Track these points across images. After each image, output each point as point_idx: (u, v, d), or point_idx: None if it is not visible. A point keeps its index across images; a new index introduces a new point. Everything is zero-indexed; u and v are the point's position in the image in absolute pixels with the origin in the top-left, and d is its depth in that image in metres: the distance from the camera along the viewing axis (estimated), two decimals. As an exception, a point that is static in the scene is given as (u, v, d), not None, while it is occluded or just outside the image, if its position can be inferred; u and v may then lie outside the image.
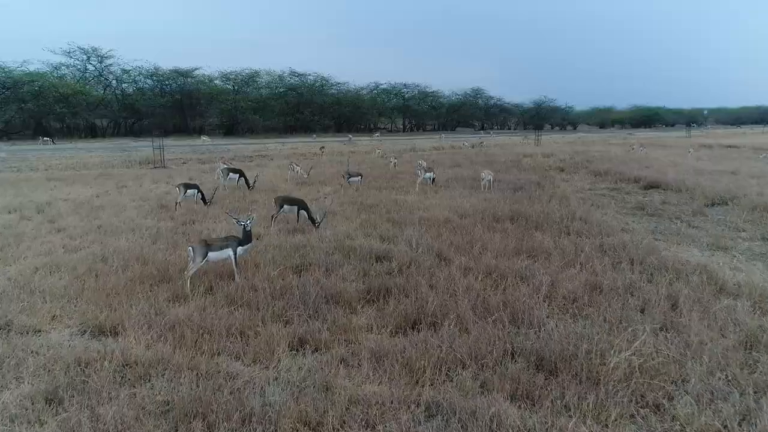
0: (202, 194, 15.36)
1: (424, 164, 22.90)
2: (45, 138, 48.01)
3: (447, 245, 10.20)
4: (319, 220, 12.15)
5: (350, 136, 52.50)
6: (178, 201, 15.12)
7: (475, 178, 20.80)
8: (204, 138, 51.76)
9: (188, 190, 15.39)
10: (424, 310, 6.75)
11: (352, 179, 18.08)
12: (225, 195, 17.05)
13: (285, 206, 12.72)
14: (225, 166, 21.50)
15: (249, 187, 18.12)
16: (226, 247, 8.14)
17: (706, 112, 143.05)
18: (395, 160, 25.07)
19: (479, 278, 8.10)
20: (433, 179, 19.50)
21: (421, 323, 6.54)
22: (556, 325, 6.25)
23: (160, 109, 63.69)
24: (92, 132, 62.56)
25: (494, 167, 25.34)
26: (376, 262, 9.26)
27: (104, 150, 35.93)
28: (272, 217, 12.73)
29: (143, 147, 39.67)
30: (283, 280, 8.02)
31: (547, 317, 6.68)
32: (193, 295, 7.45)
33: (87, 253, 9.70)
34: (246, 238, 8.53)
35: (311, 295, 7.23)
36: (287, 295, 7.36)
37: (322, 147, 32.73)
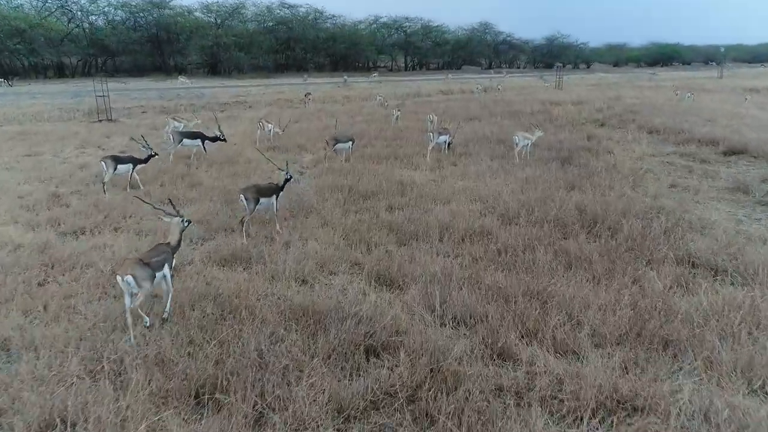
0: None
1: (436, 120, 17.88)
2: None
3: (500, 310, 5.58)
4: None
5: (345, 77, 46.53)
6: (104, 181, 10.48)
7: (502, 140, 15.88)
8: (182, 79, 46.00)
9: (119, 166, 10.64)
10: None
11: (339, 146, 13.21)
12: (164, 169, 12.24)
13: (262, 200, 8.53)
14: (176, 123, 16.53)
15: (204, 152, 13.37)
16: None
17: (723, 49, 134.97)
18: (398, 113, 20.01)
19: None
20: (449, 144, 14.60)
21: None
22: None
23: (134, 46, 57.07)
24: (60, 72, 56.40)
25: (521, 121, 20.33)
26: (366, 360, 4.73)
27: (55, 95, 30.63)
28: (241, 221, 8.19)
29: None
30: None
31: None
32: None
33: None
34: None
35: None
36: None
37: (308, 93, 27.47)
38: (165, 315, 5.51)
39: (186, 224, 6.28)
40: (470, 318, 5.46)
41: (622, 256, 6.99)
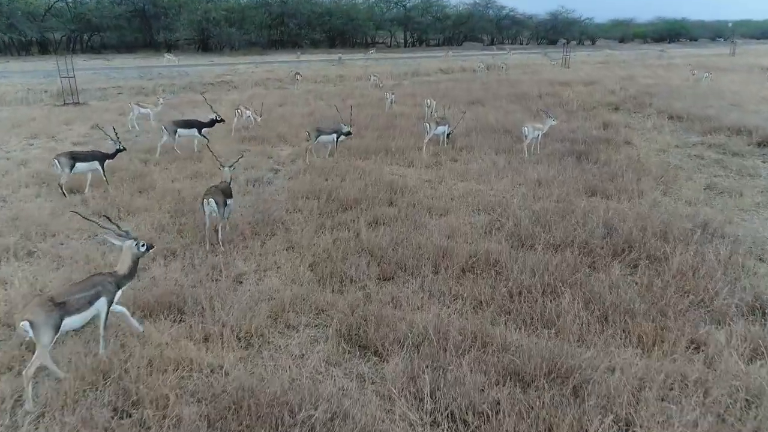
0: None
1: (434, 105, 16.03)
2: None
3: (515, 403, 3.91)
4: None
5: (340, 55, 44.11)
6: (60, 183, 8.90)
7: (509, 130, 14.08)
8: (168, 57, 43.61)
9: (78, 164, 8.96)
10: None
11: (322, 138, 11.40)
12: (116, 167, 10.48)
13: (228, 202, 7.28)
14: (141, 109, 14.69)
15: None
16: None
17: (731, 24, 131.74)
18: (392, 96, 18.12)
19: None
20: (449, 135, 12.79)
21: None
22: None
23: (120, 21, 54.34)
24: (43, 49, 53.91)
25: (529, 106, 18.47)
26: None
27: (28, 74, 28.55)
28: (214, 228, 6.63)
29: (84, 70, 32.18)
30: None
31: None
32: None
33: None
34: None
35: None
36: None
37: (297, 73, 25.42)
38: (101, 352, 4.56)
39: (143, 249, 4.89)
40: (473, 414, 3.82)
41: (672, 301, 5.32)
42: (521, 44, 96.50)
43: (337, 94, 21.77)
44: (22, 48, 52.90)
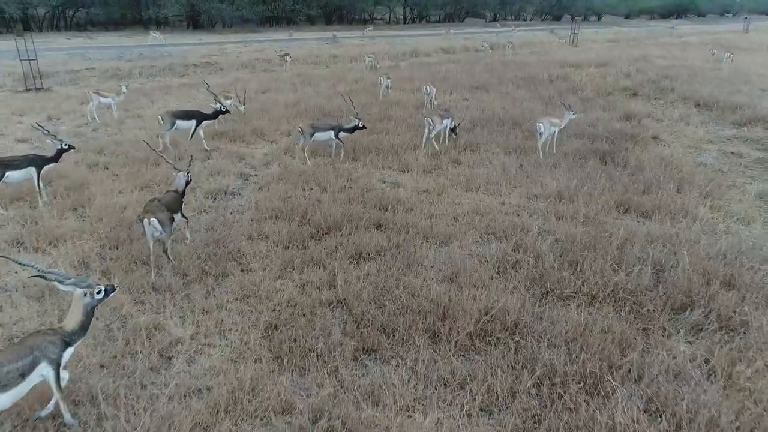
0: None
1: (434, 92, 14.26)
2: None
3: None
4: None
5: (334, 33, 41.69)
6: None
7: (518, 123, 12.37)
8: (154, 35, 41.40)
9: (9, 173, 7.39)
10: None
11: (318, 136, 9.65)
12: (53, 174, 8.81)
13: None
14: (101, 99, 12.94)
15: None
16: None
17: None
18: (387, 80, 16.29)
19: None
20: (454, 129, 11.05)
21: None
22: None
23: (104, -4, 51.83)
24: (26, 26, 51.46)
25: (539, 92, 16.68)
26: None
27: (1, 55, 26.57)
28: (166, 252, 5.12)
29: (59, 50, 30.24)
30: None
31: None
32: None
33: None
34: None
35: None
36: None
37: (286, 54, 23.40)
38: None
39: (99, 297, 3.88)
40: None
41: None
42: (525, 20, 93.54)
43: (328, 77, 19.91)
44: (3, 25, 50.47)
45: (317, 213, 7.08)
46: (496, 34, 45.13)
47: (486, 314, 4.85)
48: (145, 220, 5.43)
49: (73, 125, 12.65)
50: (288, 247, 6.35)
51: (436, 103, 14.42)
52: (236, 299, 5.27)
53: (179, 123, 10.40)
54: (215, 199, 8.02)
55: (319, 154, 10.19)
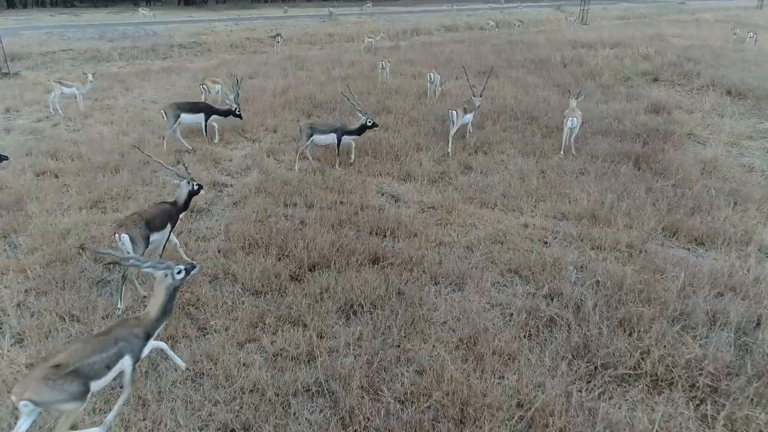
0: None
1: (438, 79, 12.80)
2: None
3: None
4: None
5: (330, 9, 39.56)
6: None
7: (534, 117, 10.95)
8: (144, 12, 39.46)
9: None
10: None
11: (317, 138, 8.25)
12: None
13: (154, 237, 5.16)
14: (64, 89, 11.47)
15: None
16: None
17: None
18: (388, 65, 14.78)
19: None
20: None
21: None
22: None
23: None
24: (10, 3, 49.37)
25: (552, 76, 15.21)
26: None
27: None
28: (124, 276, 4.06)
29: (38, 29, 28.47)
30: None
31: None
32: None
33: None
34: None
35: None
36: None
37: (278, 34, 21.69)
38: None
39: (180, 276, 3.76)
40: None
41: None
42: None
43: (323, 60, 18.33)
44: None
45: (299, 242, 5.75)
46: (501, 10, 43.08)
47: (519, 407, 3.58)
48: (116, 235, 4.69)
49: (32, 119, 11.23)
50: (260, 293, 5.04)
51: (440, 90, 12.96)
52: (185, 380, 3.98)
53: (185, 116, 9.14)
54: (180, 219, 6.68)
55: (318, 158, 8.80)
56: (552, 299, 4.95)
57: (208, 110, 9.49)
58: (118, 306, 4.76)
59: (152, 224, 4.90)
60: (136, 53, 21.20)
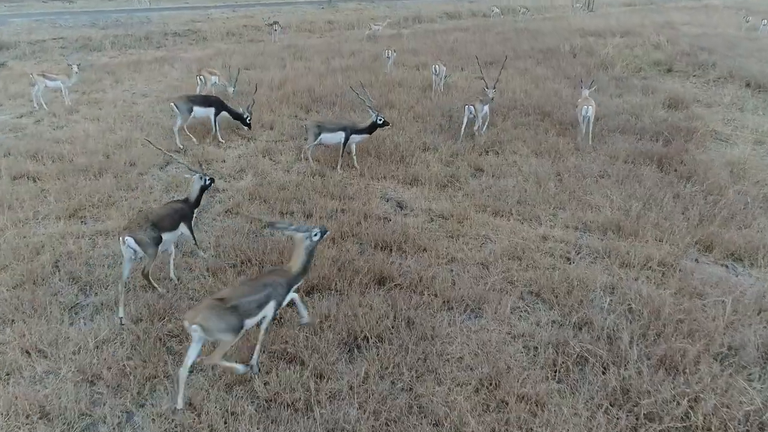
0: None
1: (444, 71, 12.13)
2: None
3: None
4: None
5: (330, -7, 38.66)
6: None
7: (547, 112, 10.34)
8: (139, -3, 38.51)
9: None
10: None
11: (325, 137, 7.64)
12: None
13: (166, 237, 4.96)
14: (48, 82, 10.82)
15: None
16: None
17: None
18: (393, 53, 14.13)
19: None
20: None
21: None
22: None
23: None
24: (2, -13, 48.13)
25: (562, 67, 14.58)
26: None
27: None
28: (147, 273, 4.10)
29: (28, 16, 27.67)
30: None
31: None
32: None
33: None
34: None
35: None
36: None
37: (275, 22, 20.89)
38: None
39: (317, 238, 4.21)
40: None
41: None
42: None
43: (322, 50, 17.61)
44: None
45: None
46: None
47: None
48: (120, 238, 4.58)
49: (14, 114, 10.60)
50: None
51: (444, 82, 12.30)
52: (164, 436, 3.44)
53: (197, 110, 8.66)
54: (166, 230, 6.10)
55: (317, 158, 8.21)
56: (580, 329, 4.40)
57: (219, 105, 9.01)
58: (120, 315, 4.51)
59: (160, 225, 4.75)
60: (129, 42, 20.43)
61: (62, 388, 3.80)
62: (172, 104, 8.67)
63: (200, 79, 11.23)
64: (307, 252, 4.09)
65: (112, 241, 5.82)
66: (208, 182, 5.37)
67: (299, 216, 6.31)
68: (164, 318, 4.48)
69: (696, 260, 5.53)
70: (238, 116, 9.15)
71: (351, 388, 3.77)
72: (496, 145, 8.67)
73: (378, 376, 3.90)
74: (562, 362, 4.00)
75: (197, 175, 5.33)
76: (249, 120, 9.22)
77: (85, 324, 4.49)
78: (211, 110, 8.87)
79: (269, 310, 3.84)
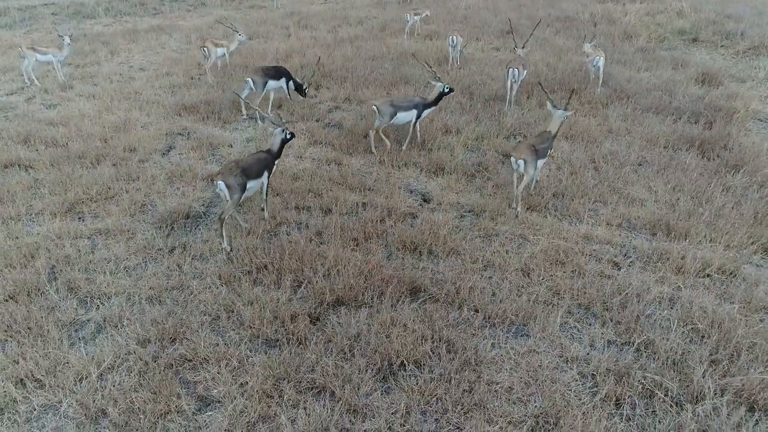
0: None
1: (460, 42, 11.36)
2: None
3: None
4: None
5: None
6: None
7: (567, 86, 9.64)
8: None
9: None
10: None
11: (401, 116, 7.14)
12: None
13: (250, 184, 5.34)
14: (38, 56, 10.10)
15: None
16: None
17: None
18: (416, 18, 13.35)
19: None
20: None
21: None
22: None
23: None
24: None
25: (581, 36, 13.74)
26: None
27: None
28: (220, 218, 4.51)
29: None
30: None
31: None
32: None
33: None
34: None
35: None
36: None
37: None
38: None
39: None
40: None
41: None
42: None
43: (327, 17, 16.69)
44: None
45: (319, 267, 4.69)
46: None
47: None
48: (214, 181, 5.03)
49: (4, 91, 9.95)
50: (273, 343, 4.02)
51: (461, 55, 11.55)
52: (181, 489, 3.01)
53: (271, 83, 8.53)
54: (172, 228, 5.59)
55: (331, 142, 7.62)
56: (640, 351, 3.93)
57: (288, 75, 8.79)
58: (224, 246, 5.09)
59: (248, 172, 5.18)
60: (124, 8, 19.47)
61: (63, 428, 3.36)
62: (248, 80, 8.29)
63: (204, 50, 10.49)
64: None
65: (112, 241, 5.31)
66: (288, 136, 5.75)
67: (317, 213, 5.77)
68: (175, 340, 4.00)
69: (757, 265, 5.03)
70: (299, 86, 8.88)
71: (390, 428, 3.32)
72: (523, 127, 8.05)
73: (419, 410, 3.45)
74: (627, 396, 3.54)
75: (279, 128, 5.68)
76: (306, 90, 8.98)
77: (86, 345, 4.02)
78: (282, 81, 8.70)
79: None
